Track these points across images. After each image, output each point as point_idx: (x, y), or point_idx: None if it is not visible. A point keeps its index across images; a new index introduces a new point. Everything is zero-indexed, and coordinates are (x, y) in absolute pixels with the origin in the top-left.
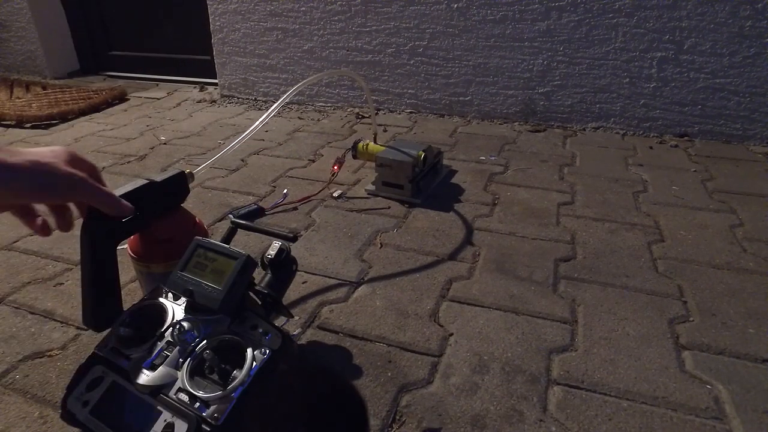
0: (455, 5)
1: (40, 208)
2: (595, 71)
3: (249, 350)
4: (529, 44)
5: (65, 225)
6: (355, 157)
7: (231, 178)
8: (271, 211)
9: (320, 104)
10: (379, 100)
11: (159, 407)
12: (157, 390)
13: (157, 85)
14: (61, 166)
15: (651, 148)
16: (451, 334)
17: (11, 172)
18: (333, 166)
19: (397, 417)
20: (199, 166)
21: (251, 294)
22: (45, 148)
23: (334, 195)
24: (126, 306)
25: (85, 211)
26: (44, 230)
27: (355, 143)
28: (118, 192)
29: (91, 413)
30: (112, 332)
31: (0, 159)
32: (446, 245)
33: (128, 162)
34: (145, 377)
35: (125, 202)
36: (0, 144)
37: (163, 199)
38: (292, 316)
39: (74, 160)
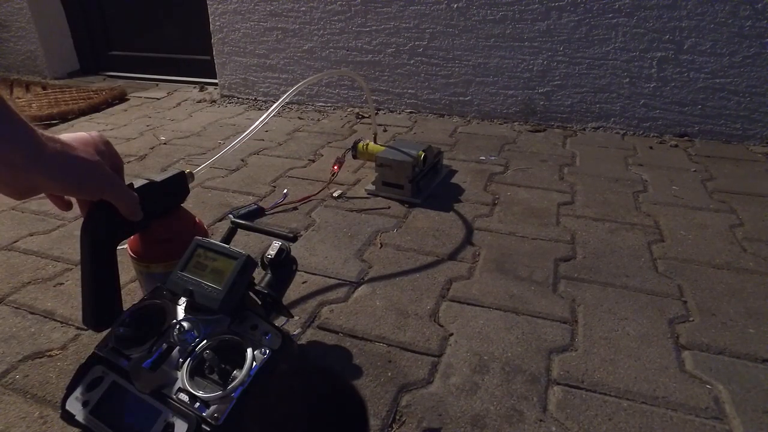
0: (455, 5)
1: None
2: (595, 71)
3: (249, 350)
4: (529, 44)
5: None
6: (355, 157)
7: (231, 178)
8: (271, 211)
9: (320, 104)
10: (379, 100)
11: (159, 407)
12: (157, 390)
13: (157, 85)
14: (104, 168)
15: (651, 148)
16: (451, 334)
17: (58, 165)
18: (333, 166)
19: (397, 417)
20: (199, 166)
21: (251, 294)
22: (88, 139)
23: (334, 195)
24: (126, 306)
25: (86, 210)
26: (68, 206)
27: (355, 143)
28: None
29: (91, 413)
30: (112, 332)
31: (56, 150)
32: (446, 245)
33: (128, 162)
34: (145, 377)
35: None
36: (45, 132)
37: (163, 199)
38: (292, 316)
39: (109, 153)
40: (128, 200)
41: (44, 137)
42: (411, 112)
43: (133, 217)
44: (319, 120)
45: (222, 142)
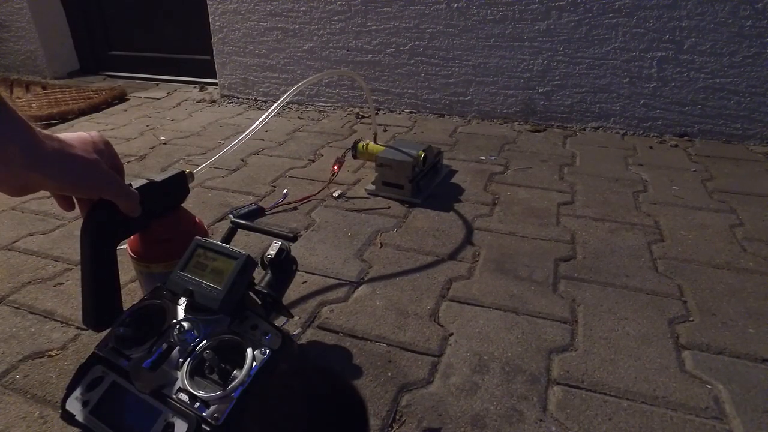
0: (455, 5)
1: None
2: (595, 71)
3: (249, 350)
4: (529, 44)
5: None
6: (355, 157)
7: (231, 178)
8: (271, 211)
9: (320, 104)
10: (379, 100)
11: (159, 407)
12: (157, 390)
13: (157, 85)
14: (102, 166)
15: (651, 147)
16: (451, 334)
17: (56, 163)
18: (333, 166)
19: (397, 417)
20: (199, 166)
21: (251, 294)
22: (87, 138)
23: (334, 195)
24: (126, 306)
25: (86, 209)
26: (72, 206)
27: (355, 143)
28: None
29: (91, 413)
30: (112, 332)
31: (54, 148)
32: (446, 245)
33: (128, 162)
34: (145, 377)
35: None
36: (45, 132)
37: (163, 199)
38: (292, 316)
39: (109, 153)
40: (127, 197)
41: (42, 135)
42: (411, 112)
43: (133, 213)
44: (319, 120)
45: (222, 142)
